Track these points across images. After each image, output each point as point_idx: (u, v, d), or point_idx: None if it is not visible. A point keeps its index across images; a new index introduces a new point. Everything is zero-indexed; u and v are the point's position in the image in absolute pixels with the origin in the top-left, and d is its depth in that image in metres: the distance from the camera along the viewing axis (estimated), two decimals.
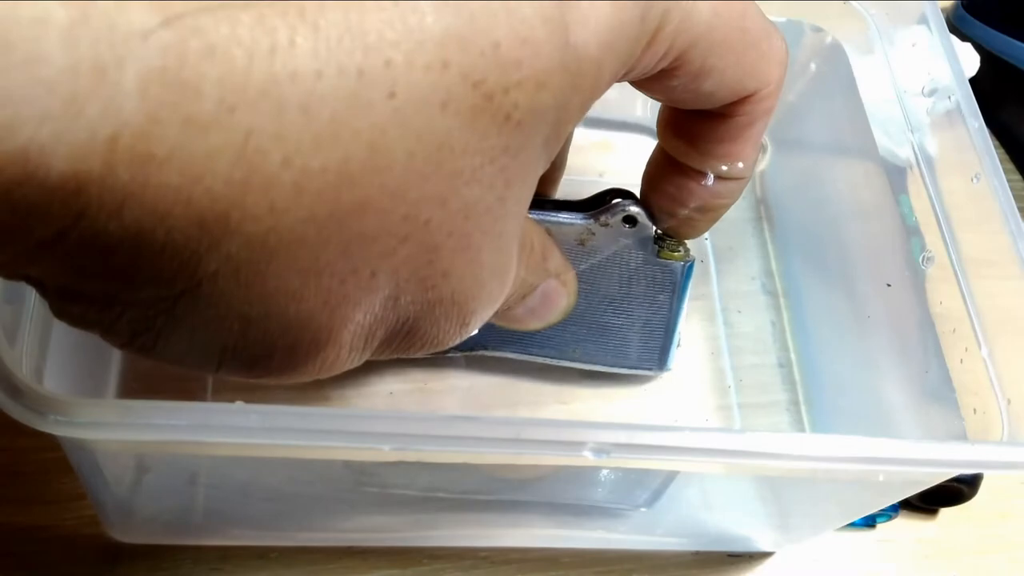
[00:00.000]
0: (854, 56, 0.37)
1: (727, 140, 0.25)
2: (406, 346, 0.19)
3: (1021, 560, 0.39)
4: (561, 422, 0.23)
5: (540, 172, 0.19)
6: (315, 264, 0.16)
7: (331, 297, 0.16)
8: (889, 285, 0.34)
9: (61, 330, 0.25)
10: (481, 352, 0.31)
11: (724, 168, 0.26)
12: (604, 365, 0.33)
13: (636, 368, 0.34)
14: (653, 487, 0.30)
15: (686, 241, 0.30)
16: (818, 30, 0.37)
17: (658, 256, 0.30)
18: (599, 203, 0.29)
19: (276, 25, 0.14)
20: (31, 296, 0.23)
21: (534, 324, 0.27)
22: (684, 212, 0.28)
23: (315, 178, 0.15)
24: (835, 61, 0.37)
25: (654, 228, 0.29)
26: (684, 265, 0.31)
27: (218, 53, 0.13)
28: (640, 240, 0.30)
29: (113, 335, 0.16)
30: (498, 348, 0.31)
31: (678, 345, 0.34)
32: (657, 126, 0.27)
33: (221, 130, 0.14)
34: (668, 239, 0.30)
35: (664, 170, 0.27)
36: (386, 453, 0.22)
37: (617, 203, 0.29)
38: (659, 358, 0.33)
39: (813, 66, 0.39)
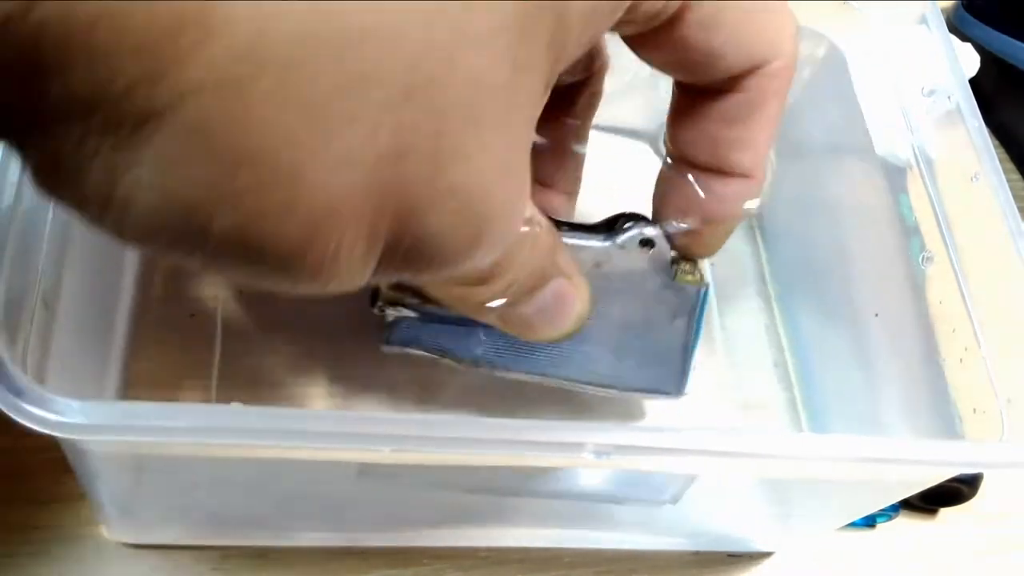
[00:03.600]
0: (853, 56, 0.37)
1: (738, 121, 0.25)
2: (416, 255, 0.18)
3: (1021, 560, 0.39)
4: (561, 423, 0.23)
5: (542, 91, 0.18)
6: (311, 97, 0.14)
7: (330, 150, 0.15)
8: (888, 287, 0.34)
9: (62, 332, 0.25)
10: (498, 372, 0.31)
11: (731, 159, 0.25)
12: (619, 388, 0.32)
13: (652, 392, 0.33)
14: (679, 483, 0.30)
15: (702, 265, 0.30)
16: (816, 31, 0.37)
17: (674, 279, 0.30)
18: (614, 226, 0.29)
19: None
20: (33, 297, 0.23)
21: (547, 330, 0.26)
22: (696, 225, 0.28)
23: None
24: (834, 61, 0.37)
25: (671, 252, 0.29)
26: (700, 290, 0.30)
27: None
28: (657, 264, 0.29)
29: (88, 189, 0.15)
30: (513, 368, 0.31)
31: (694, 369, 0.33)
32: (667, 126, 0.27)
33: None
34: (684, 263, 0.30)
35: (672, 183, 0.27)
36: (386, 454, 0.22)
37: (634, 226, 0.29)
38: (676, 382, 0.32)
39: (812, 66, 0.39)
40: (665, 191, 0.28)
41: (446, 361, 0.31)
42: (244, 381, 0.34)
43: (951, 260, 0.31)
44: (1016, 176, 0.50)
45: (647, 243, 0.29)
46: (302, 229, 0.16)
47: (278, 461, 0.26)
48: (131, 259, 0.35)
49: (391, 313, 0.29)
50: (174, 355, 0.34)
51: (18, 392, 0.20)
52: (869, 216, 0.36)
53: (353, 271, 0.17)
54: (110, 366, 0.33)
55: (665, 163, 0.28)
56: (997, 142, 0.50)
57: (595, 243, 0.29)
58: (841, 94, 0.37)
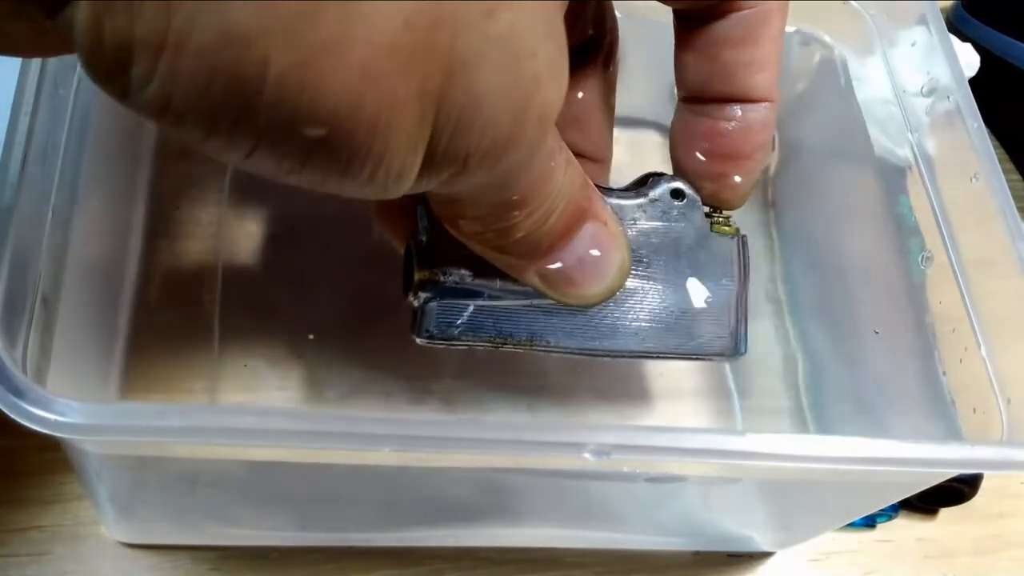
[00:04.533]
0: (854, 56, 0.37)
1: (747, 43, 0.25)
2: (466, 130, 0.17)
3: (1021, 560, 0.39)
4: (561, 423, 0.23)
5: None
6: None
7: None
8: (889, 287, 0.34)
9: (62, 332, 0.25)
10: (543, 348, 0.29)
11: (750, 83, 0.26)
12: (675, 352, 0.31)
13: (709, 353, 0.31)
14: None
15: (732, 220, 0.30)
16: (816, 31, 0.37)
17: (712, 231, 0.29)
18: (643, 185, 0.29)
19: None
20: (32, 297, 0.23)
21: (591, 283, 0.25)
22: (720, 169, 0.27)
23: None
24: (834, 62, 0.37)
25: (703, 202, 0.29)
26: (737, 239, 0.30)
27: None
28: (692, 215, 0.29)
29: (143, 24, 0.14)
30: (562, 340, 0.29)
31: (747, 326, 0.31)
32: (676, 69, 0.27)
33: None
34: (717, 213, 0.29)
35: (689, 128, 0.27)
36: (386, 454, 0.22)
37: (663, 180, 0.29)
38: (732, 342, 0.31)
39: (812, 67, 0.39)
40: (686, 138, 0.28)
41: (485, 348, 0.28)
42: (244, 381, 0.34)
43: (951, 260, 0.31)
44: (1016, 176, 0.50)
45: (678, 195, 0.29)
46: (357, 74, 0.15)
47: (277, 461, 0.26)
48: (131, 259, 0.35)
49: (423, 295, 0.27)
50: (174, 355, 0.34)
51: (18, 392, 0.20)
52: (869, 217, 0.36)
53: (405, 143, 0.17)
54: (110, 366, 0.33)
55: (680, 111, 0.27)
56: (997, 142, 0.50)
57: (627, 201, 0.28)
58: (841, 94, 0.37)
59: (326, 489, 0.31)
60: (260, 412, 0.21)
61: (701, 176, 0.28)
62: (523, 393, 0.34)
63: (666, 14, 0.27)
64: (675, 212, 0.29)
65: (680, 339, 0.30)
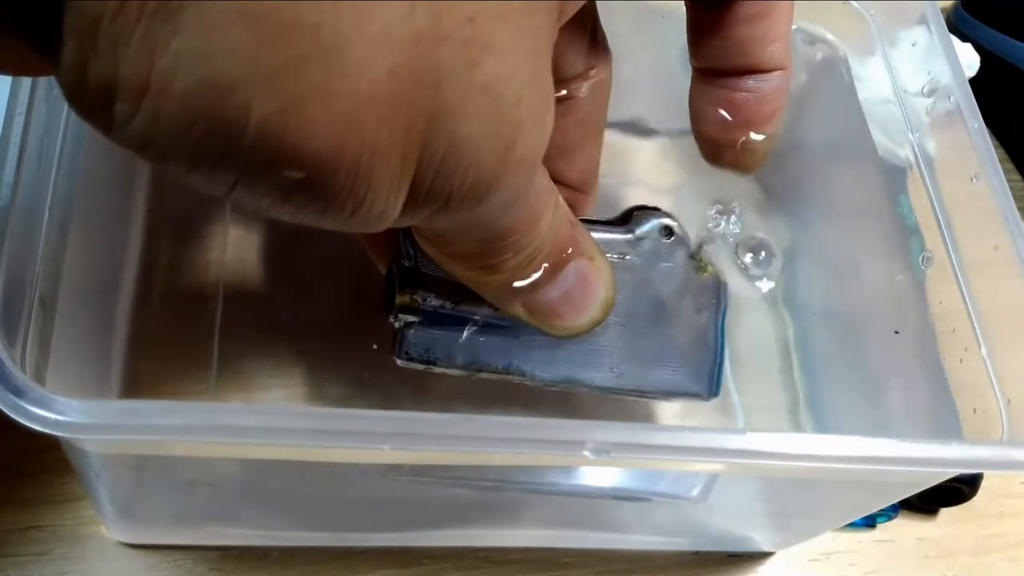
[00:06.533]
0: (854, 56, 0.37)
1: (759, 19, 0.25)
2: (449, 172, 0.17)
3: (1020, 560, 0.39)
4: (561, 422, 0.23)
5: (556, 12, 0.18)
6: None
7: (369, 24, 0.15)
8: (888, 287, 0.34)
9: (61, 331, 0.25)
10: (519, 378, 0.29)
11: (763, 55, 0.26)
12: (651, 393, 0.31)
13: (684, 394, 0.31)
14: (705, 480, 0.30)
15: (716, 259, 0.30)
16: (817, 31, 0.37)
17: (696, 272, 0.29)
18: (630, 218, 0.29)
19: None
20: (31, 296, 0.23)
21: (573, 317, 0.26)
22: (738, 136, 0.27)
23: None
24: (834, 61, 0.37)
25: (691, 241, 0.29)
26: (721, 281, 0.30)
27: None
28: (678, 255, 0.29)
29: (126, 67, 0.14)
30: (537, 371, 0.29)
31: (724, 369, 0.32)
32: (690, 47, 0.27)
33: None
34: (702, 253, 0.29)
35: (705, 98, 0.27)
36: (386, 453, 0.22)
37: (652, 216, 0.29)
38: (707, 383, 0.31)
39: (813, 67, 0.39)
40: (703, 108, 0.28)
41: (461, 376, 0.29)
42: (244, 381, 0.34)
43: (951, 260, 0.31)
44: (1016, 176, 0.50)
45: (666, 231, 0.29)
46: (340, 121, 0.15)
47: (277, 461, 0.26)
48: (130, 258, 0.35)
49: (404, 318, 0.27)
50: (174, 355, 0.34)
51: (18, 392, 0.20)
52: (869, 216, 0.36)
53: (387, 186, 0.17)
54: (110, 366, 0.33)
55: (696, 81, 0.27)
56: (997, 142, 0.50)
57: (615, 236, 0.28)
58: (841, 94, 0.37)
59: (326, 489, 0.31)
60: (260, 411, 0.21)
61: (721, 143, 0.28)
62: (523, 392, 0.34)
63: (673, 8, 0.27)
64: (662, 250, 0.29)
65: (655, 378, 0.30)
